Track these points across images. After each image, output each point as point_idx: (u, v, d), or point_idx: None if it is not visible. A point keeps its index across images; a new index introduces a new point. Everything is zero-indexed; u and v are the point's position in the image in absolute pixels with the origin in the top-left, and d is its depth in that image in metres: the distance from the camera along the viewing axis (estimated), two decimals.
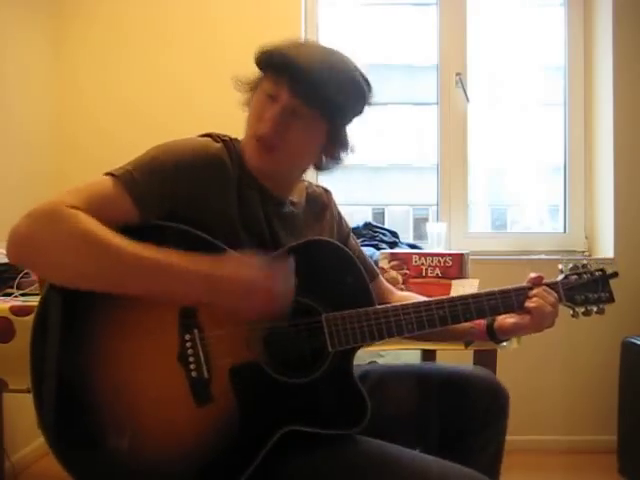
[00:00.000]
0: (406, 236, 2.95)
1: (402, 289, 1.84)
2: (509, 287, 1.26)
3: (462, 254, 1.83)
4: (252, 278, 1.09)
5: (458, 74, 3.04)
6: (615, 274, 1.32)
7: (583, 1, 3.06)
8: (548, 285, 1.27)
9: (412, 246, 2.49)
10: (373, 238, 2.43)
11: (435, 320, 1.21)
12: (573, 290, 1.28)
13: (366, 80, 1.27)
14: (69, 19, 2.96)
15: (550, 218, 3.65)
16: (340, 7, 3.27)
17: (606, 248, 2.87)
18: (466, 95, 3.04)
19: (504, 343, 1.37)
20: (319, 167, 1.33)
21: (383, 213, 5.16)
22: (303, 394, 1.15)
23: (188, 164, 1.14)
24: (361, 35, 3.39)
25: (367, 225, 2.52)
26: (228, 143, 1.23)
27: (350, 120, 1.29)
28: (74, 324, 1.08)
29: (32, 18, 2.79)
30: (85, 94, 2.96)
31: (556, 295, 1.26)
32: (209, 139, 1.21)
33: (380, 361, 2.61)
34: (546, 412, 2.86)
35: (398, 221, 5.45)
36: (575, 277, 1.29)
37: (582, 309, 1.29)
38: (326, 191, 1.46)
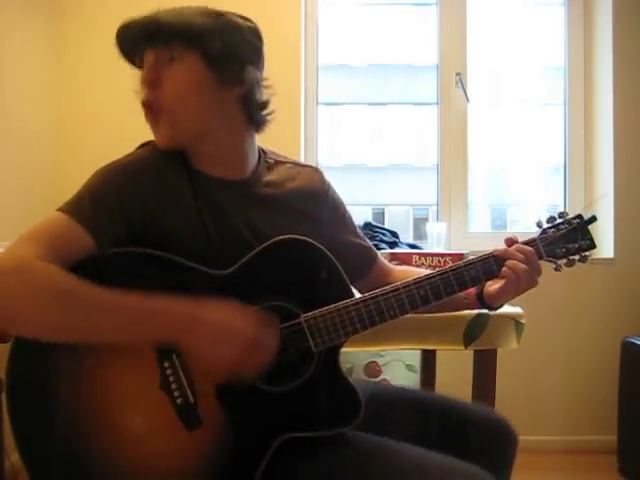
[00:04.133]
0: (406, 236, 2.94)
1: None
2: (487, 254, 1.21)
3: (462, 254, 1.84)
4: (234, 324, 1.05)
5: (458, 74, 3.04)
6: (594, 218, 1.26)
7: (583, 1, 3.06)
8: (526, 243, 1.23)
9: (412, 246, 2.49)
10: (373, 238, 2.43)
11: (417, 300, 1.16)
12: (552, 244, 1.23)
13: (221, 12, 1.19)
14: (69, 19, 2.96)
15: None
16: (340, 7, 3.27)
17: (606, 248, 2.87)
18: (466, 95, 3.04)
19: (500, 309, 1.31)
20: (250, 120, 1.24)
21: (383, 213, 5.16)
22: (294, 400, 1.12)
23: (124, 181, 1.13)
24: (361, 35, 3.39)
25: (367, 225, 2.52)
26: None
27: (227, 47, 1.16)
28: (50, 366, 1.05)
29: (32, 18, 2.79)
30: (85, 94, 2.96)
31: (529, 250, 1.20)
32: (146, 148, 1.20)
33: (380, 361, 2.61)
34: (546, 412, 2.86)
35: (398, 221, 5.46)
36: (553, 230, 1.24)
37: (564, 261, 1.24)
38: (315, 170, 1.38)
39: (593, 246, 1.25)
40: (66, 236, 1.07)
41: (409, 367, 2.62)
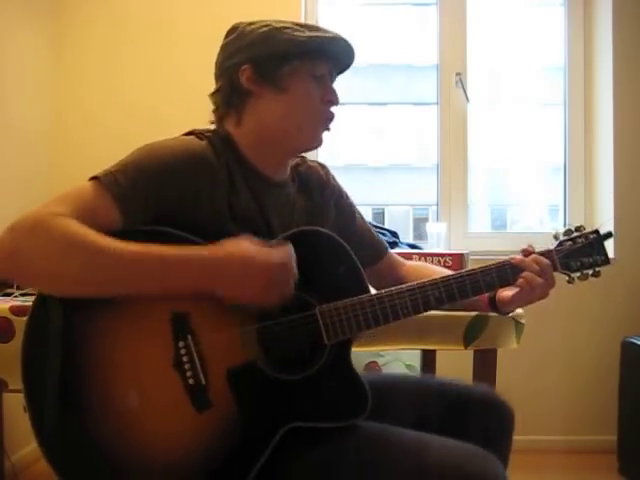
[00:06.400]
0: (406, 236, 2.94)
1: None
2: (503, 261, 1.24)
3: (462, 254, 1.84)
4: (250, 253, 1.07)
5: (458, 74, 3.04)
6: (610, 234, 1.29)
7: (583, 1, 3.06)
8: (542, 254, 1.25)
9: (412, 246, 2.48)
10: None
11: (431, 302, 1.19)
12: (568, 257, 1.26)
13: None
14: (69, 19, 2.96)
15: (550, 218, 3.66)
16: (340, 7, 3.27)
17: (606, 248, 2.87)
18: (466, 95, 3.04)
19: (510, 314, 1.34)
20: None
21: (383, 213, 5.17)
22: (303, 390, 1.14)
23: (172, 166, 1.13)
24: (361, 35, 3.39)
25: None
26: (212, 139, 1.21)
27: None
28: (65, 337, 1.06)
29: (32, 19, 2.79)
30: (85, 94, 2.96)
31: (546, 263, 1.23)
32: (192, 137, 1.20)
33: (380, 361, 2.61)
34: (546, 412, 2.86)
35: (398, 221, 5.46)
36: (569, 243, 1.27)
37: (578, 274, 1.26)
38: (322, 166, 1.42)
39: (607, 262, 1.27)
40: (91, 204, 1.07)
41: (409, 367, 2.62)
